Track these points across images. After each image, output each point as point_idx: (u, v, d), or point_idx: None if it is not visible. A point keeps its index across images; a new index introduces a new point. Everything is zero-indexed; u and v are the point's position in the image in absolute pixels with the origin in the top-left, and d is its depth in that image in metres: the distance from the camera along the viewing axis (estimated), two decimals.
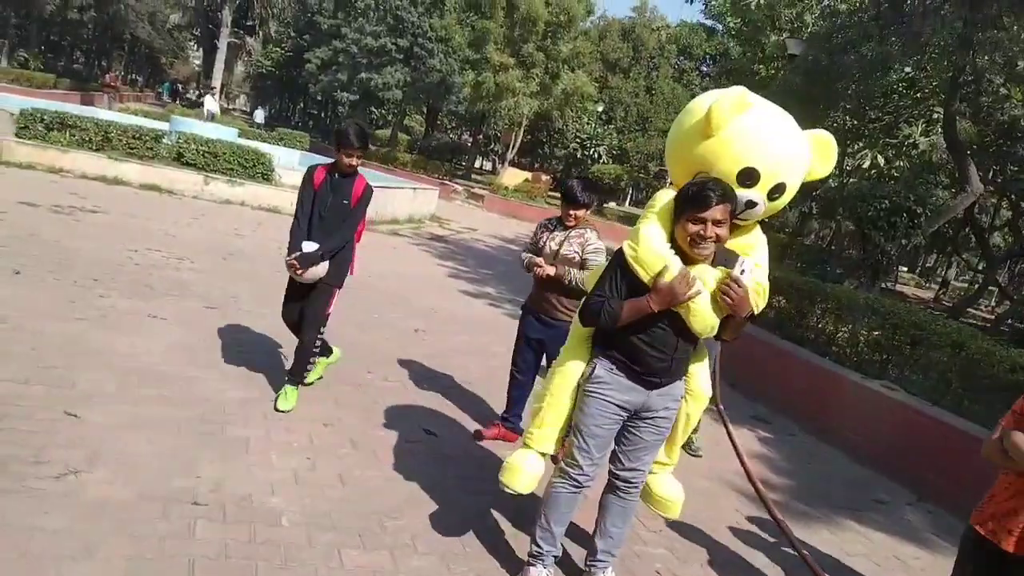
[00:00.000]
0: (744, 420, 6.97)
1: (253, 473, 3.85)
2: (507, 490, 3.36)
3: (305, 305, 4.79)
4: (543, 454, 3.39)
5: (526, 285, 11.28)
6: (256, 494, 3.64)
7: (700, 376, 3.40)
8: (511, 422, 5.08)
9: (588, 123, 41.13)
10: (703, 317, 2.91)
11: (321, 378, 5.34)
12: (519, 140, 37.34)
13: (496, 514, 4.01)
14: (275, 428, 4.47)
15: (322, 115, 57.59)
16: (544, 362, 4.90)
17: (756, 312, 3.02)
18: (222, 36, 41.01)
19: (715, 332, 3.02)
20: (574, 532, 3.82)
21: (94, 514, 3.17)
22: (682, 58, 47.50)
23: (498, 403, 5.82)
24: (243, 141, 16.18)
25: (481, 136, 43.46)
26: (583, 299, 3.24)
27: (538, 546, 3.35)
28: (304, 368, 4.85)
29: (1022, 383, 5.89)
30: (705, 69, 47.89)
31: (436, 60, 38.07)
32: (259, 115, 43.80)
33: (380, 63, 38.99)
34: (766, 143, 2.99)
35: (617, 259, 3.07)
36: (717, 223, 2.84)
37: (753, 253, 3.14)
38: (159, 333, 5.69)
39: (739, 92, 2.99)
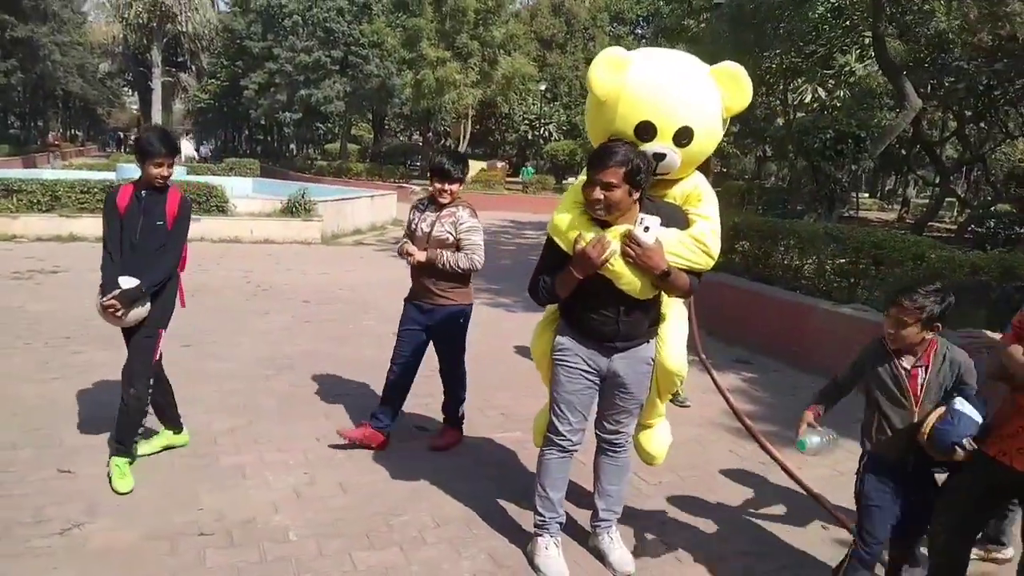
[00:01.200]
0: (727, 364, 7.12)
1: (253, 496, 3.90)
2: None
3: (129, 355, 3.99)
4: None
5: (499, 273, 11.29)
6: (260, 516, 3.69)
7: (670, 343, 3.36)
8: (380, 420, 4.60)
9: (534, 104, 41.14)
10: (625, 278, 2.92)
11: (158, 452, 4.35)
12: (468, 131, 37.25)
13: (498, 496, 4.08)
14: (268, 450, 4.51)
15: (268, 139, 57.10)
16: (438, 360, 4.69)
17: (703, 266, 3.03)
18: (155, 77, 40.46)
19: (650, 293, 3.00)
20: (579, 499, 3.92)
21: (103, 562, 3.20)
22: (616, 24, 47.59)
23: (483, 389, 5.89)
24: (193, 177, 16.06)
25: (431, 134, 43.31)
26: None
27: (541, 515, 3.42)
28: (132, 433, 3.99)
29: (985, 283, 6.08)
30: (640, 31, 48.05)
31: (372, 66, 37.80)
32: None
33: (317, 78, 38.64)
34: (651, 92, 3.01)
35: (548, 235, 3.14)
36: (607, 186, 2.83)
37: (699, 206, 3.18)
38: None
39: (610, 52, 3.06)
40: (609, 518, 3.52)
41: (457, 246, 4.33)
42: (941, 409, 2.80)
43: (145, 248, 3.86)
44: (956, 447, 2.71)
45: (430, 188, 4.47)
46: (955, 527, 2.89)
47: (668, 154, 3.06)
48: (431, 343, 4.64)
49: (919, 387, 2.87)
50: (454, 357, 4.68)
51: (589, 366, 3.20)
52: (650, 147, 3.03)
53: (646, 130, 3.02)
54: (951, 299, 2.78)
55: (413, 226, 4.48)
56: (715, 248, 3.06)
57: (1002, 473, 2.70)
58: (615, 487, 3.49)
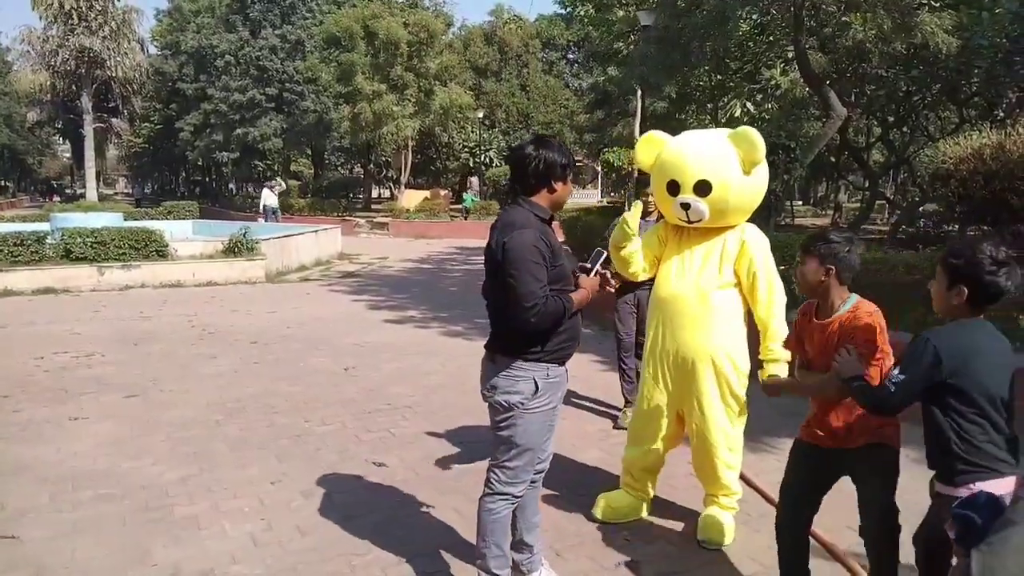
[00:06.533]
0: None
1: (209, 547, 3.80)
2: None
3: None
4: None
5: (448, 300, 11.26)
6: (217, 567, 3.60)
7: None
8: None
9: (472, 131, 41.43)
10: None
11: None
12: (410, 162, 37.34)
13: (460, 527, 4.03)
14: (222, 498, 4.41)
15: (206, 179, 56.33)
16: None
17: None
18: (86, 124, 39.66)
19: None
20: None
21: None
22: (548, 51, 48.37)
23: (441, 418, 5.91)
24: (130, 223, 15.79)
25: (371, 166, 43.25)
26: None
27: (495, 574, 3.11)
28: None
29: (920, 281, 6.29)
30: (571, 56, 48.91)
31: (308, 101, 37.81)
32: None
33: (253, 116, 38.52)
34: (672, 158, 3.77)
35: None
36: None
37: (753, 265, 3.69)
38: (84, 434, 5.54)
39: (650, 134, 4.01)
40: (539, 549, 3.39)
41: None
42: None
43: None
44: None
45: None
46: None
47: (692, 203, 3.61)
48: None
49: None
50: None
51: (560, 397, 3.15)
52: (677, 199, 3.68)
53: (673, 187, 3.71)
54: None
55: None
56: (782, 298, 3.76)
57: (817, 454, 3.00)
58: (538, 516, 3.39)
